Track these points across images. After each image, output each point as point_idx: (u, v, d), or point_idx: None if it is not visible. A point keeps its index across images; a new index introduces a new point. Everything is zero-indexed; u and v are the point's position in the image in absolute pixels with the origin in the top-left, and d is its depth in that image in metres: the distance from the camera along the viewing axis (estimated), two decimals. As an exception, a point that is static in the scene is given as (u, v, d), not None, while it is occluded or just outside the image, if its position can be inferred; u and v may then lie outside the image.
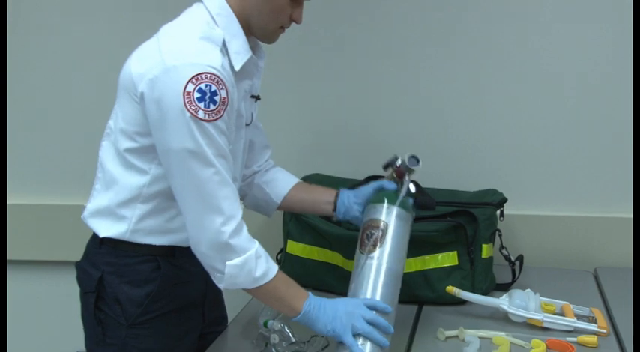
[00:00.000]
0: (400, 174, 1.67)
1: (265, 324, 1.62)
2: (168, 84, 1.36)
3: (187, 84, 1.35)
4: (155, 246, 1.54)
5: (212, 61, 1.39)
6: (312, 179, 2.18)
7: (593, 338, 1.58)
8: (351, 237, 1.87)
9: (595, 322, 1.67)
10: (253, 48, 1.57)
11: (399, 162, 1.65)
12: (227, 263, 1.41)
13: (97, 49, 2.44)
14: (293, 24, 1.56)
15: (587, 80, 2.16)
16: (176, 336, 1.64)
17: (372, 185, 1.72)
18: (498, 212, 2.01)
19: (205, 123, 1.37)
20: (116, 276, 1.56)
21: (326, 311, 1.49)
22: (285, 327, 1.59)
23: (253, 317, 1.73)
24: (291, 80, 2.34)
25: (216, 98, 1.37)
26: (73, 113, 2.48)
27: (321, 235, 2.02)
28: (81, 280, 1.62)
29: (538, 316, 1.66)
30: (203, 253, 1.45)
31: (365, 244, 1.57)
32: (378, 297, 1.49)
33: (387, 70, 2.28)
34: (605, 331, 1.62)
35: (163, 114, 1.38)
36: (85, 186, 1.77)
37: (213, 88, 1.37)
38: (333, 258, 2.01)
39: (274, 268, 1.49)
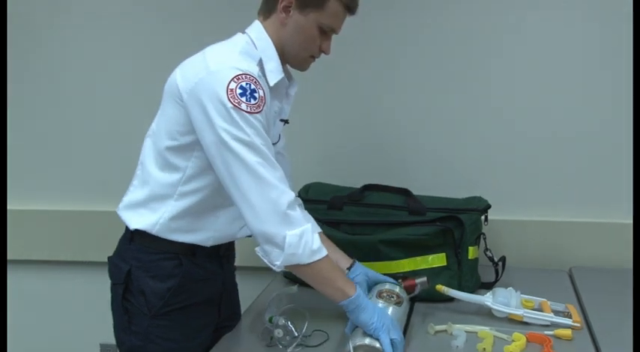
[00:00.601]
0: (412, 289, 1.72)
1: (270, 320, 1.64)
2: (212, 83, 1.44)
3: (230, 82, 1.42)
4: (178, 243, 1.58)
5: (250, 68, 1.47)
6: (313, 187, 2.23)
7: (568, 332, 1.61)
8: (351, 241, 1.96)
9: (570, 317, 1.70)
10: (287, 76, 1.65)
11: (418, 288, 1.72)
12: (287, 232, 1.44)
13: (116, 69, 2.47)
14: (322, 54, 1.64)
15: (568, 100, 2.19)
16: (194, 328, 1.67)
17: (381, 278, 1.74)
18: (483, 217, 2.05)
19: (248, 115, 1.42)
20: (142, 271, 1.60)
21: (369, 305, 1.51)
22: (289, 323, 1.62)
23: (260, 313, 1.75)
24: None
25: (256, 95, 1.44)
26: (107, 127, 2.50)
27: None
28: (112, 273, 1.66)
29: (519, 312, 1.70)
30: (263, 231, 1.46)
31: (384, 297, 1.63)
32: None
33: (383, 90, 2.32)
34: (579, 325, 1.66)
35: (209, 110, 1.44)
36: (109, 193, 1.84)
37: (253, 86, 1.44)
38: None
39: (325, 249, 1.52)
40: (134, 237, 1.61)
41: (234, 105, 1.41)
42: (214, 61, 1.50)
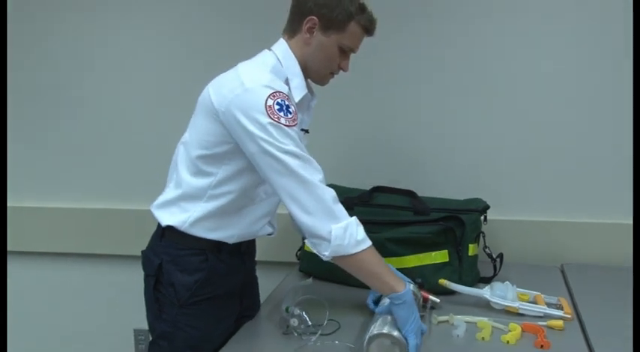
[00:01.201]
0: (424, 301, 1.71)
1: (287, 310, 1.65)
2: (250, 100, 1.48)
3: (267, 99, 1.47)
4: (205, 240, 1.62)
5: (281, 87, 1.53)
6: None
7: (559, 322, 1.64)
8: None
9: (561, 309, 1.72)
10: (309, 91, 1.70)
11: (429, 304, 1.72)
12: (333, 226, 1.47)
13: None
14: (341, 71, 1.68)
15: (567, 107, 2.20)
16: (217, 317, 1.70)
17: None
18: (482, 217, 2.07)
19: (287, 128, 1.47)
20: (172, 264, 1.64)
21: (413, 305, 1.50)
22: (304, 313, 1.64)
23: (278, 304, 1.78)
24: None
25: (291, 110, 1.49)
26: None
27: None
28: (145, 265, 1.71)
29: (515, 304, 1.72)
30: (311, 226, 1.49)
31: None
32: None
33: (391, 102, 2.34)
34: (570, 316, 1.68)
35: (248, 125, 1.47)
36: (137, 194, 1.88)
37: (287, 102, 1.49)
38: None
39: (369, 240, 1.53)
40: (165, 234, 1.65)
41: (274, 120, 1.45)
42: (248, 78, 1.53)
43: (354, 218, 1.52)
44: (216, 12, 2.40)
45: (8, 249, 2.43)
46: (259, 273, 1.92)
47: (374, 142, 2.39)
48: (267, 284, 2.02)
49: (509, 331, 1.61)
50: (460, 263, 1.95)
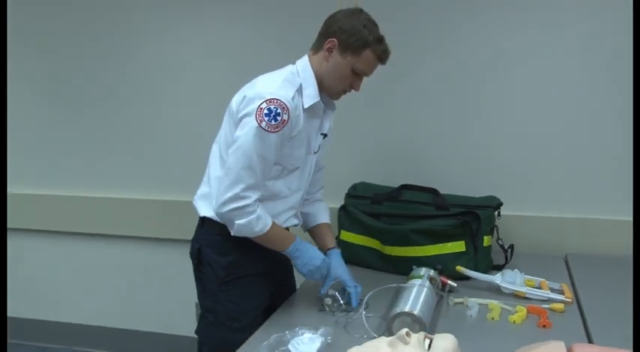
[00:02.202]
0: (443, 285, 1.80)
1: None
2: (252, 102, 1.58)
3: (262, 103, 1.56)
4: None
5: (285, 94, 1.59)
6: (360, 186, 2.32)
7: (560, 305, 1.69)
8: (388, 230, 2.08)
9: (563, 294, 1.76)
10: (326, 101, 1.77)
11: (447, 288, 1.80)
12: (236, 222, 1.60)
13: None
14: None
15: (573, 114, 2.21)
16: (253, 293, 1.79)
17: (341, 277, 1.78)
18: (496, 212, 2.11)
19: (264, 132, 1.56)
20: (209, 248, 1.75)
21: (303, 255, 1.70)
22: (337, 293, 1.73)
23: (315, 286, 1.83)
24: (344, 108, 2.37)
25: (279, 118, 1.56)
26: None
27: (365, 227, 2.14)
28: (190, 250, 1.82)
29: (522, 289, 1.78)
30: (220, 213, 1.62)
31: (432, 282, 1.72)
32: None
33: (416, 113, 2.38)
34: (570, 300, 1.72)
35: (242, 119, 1.59)
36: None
37: (279, 110, 1.56)
38: (373, 243, 2.14)
39: (268, 225, 1.64)
40: (204, 223, 1.76)
41: (257, 121, 1.56)
42: (259, 85, 1.64)
43: (257, 214, 1.62)
44: (274, 19, 2.47)
45: (107, 232, 2.74)
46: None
47: (402, 146, 2.42)
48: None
49: (516, 312, 1.65)
50: (475, 252, 1.99)
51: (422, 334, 1.18)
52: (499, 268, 2.01)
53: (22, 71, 2.91)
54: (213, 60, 2.60)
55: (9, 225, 2.88)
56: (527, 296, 1.77)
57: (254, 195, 1.61)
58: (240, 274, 1.75)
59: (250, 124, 1.57)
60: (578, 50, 2.18)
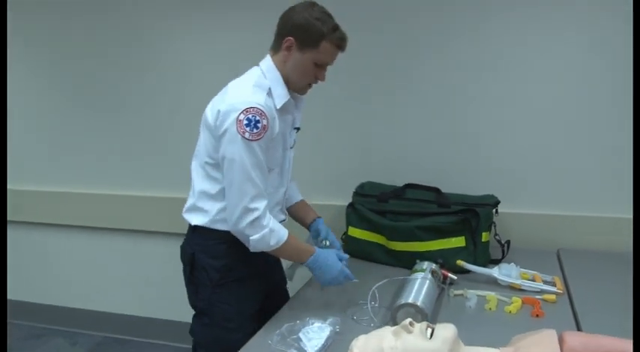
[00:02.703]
0: (444, 278, 1.80)
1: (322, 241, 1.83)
2: (228, 115, 1.54)
3: (240, 114, 1.52)
4: (226, 232, 1.64)
5: (259, 100, 1.55)
6: (367, 185, 2.34)
7: (553, 297, 1.71)
8: (393, 226, 2.09)
9: (555, 285, 1.79)
10: (294, 96, 1.72)
11: (448, 281, 1.80)
12: (250, 237, 1.57)
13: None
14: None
15: (570, 112, 2.19)
16: (246, 295, 1.76)
17: (321, 232, 1.88)
18: (494, 210, 2.13)
19: (249, 142, 1.53)
20: (203, 253, 1.72)
21: (322, 269, 1.66)
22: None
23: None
24: (354, 112, 2.45)
25: (259, 125, 1.52)
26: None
27: (371, 223, 2.16)
28: (182, 256, 1.79)
29: (517, 281, 1.80)
30: (237, 230, 1.59)
31: (434, 275, 1.74)
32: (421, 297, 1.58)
33: (424, 114, 2.37)
34: (561, 291, 1.75)
35: (224, 134, 1.54)
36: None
37: (258, 117, 1.52)
38: (380, 239, 2.15)
39: (283, 238, 1.62)
40: (195, 230, 1.73)
41: (240, 133, 1.52)
42: (232, 95, 1.59)
43: (269, 228, 1.59)
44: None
45: (134, 228, 2.77)
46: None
47: (407, 148, 2.42)
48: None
49: (512, 303, 1.68)
50: (475, 247, 2.01)
51: (424, 324, 1.19)
52: (496, 262, 2.02)
53: (47, 77, 2.98)
54: (217, 64, 2.59)
55: (38, 220, 3.08)
56: (522, 288, 1.80)
57: (262, 205, 1.58)
58: (233, 277, 1.73)
59: (235, 138, 1.53)
60: (576, 51, 2.16)
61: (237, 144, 1.54)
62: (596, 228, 2.23)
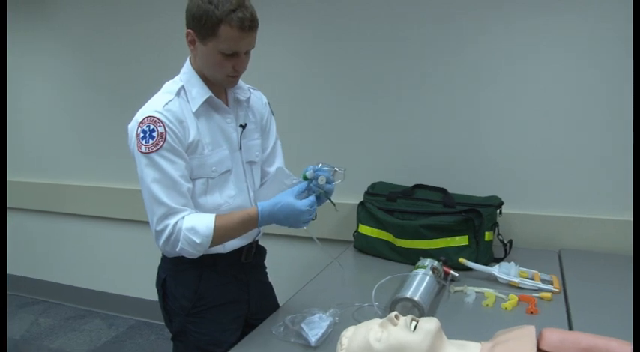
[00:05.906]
0: (446, 274, 1.77)
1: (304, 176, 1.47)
2: (130, 132, 1.40)
3: (137, 128, 1.37)
4: (199, 256, 1.47)
5: (156, 107, 1.39)
6: (377, 185, 2.34)
7: (548, 295, 1.69)
8: (400, 225, 2.09)
9: (552, 284, 1.77)
10: (230, 92, 1.55)
11: (449, 278, 1.78)
12: (177, 251, 1.41)
13: None
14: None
15: (573, 117, 2.15)
16: (223, 323, 1.59)
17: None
18: (498, 210, 2.13)
19: (146, 154, 1.36)
20: (173, 279, 1.57)
21: (280, 220, 1.41)
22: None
23: (318, 283, 1.82)
24: (368, 116, 2.46)
25: (154, 134, 1.35)
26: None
27: (379, 221, 2.18)
28: (156, 280, 1.64)
29: (516, 279, 1.79)
30: (162, 251, 1.47)
31: (434, 272, 1.71)
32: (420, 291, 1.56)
33: (428, 121, 2.36)
34: (557, 290, 1.73)
35: (133, 154, 1.41)
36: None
37: (152, 126, 1.36)
38: (387, 236, 2.17)
39: (206, 233, 1.39)
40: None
41: (137, 149, 1.37)
42: (139, 112, 1.43)
43: (183, 232, 1.39)
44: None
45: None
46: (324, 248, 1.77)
47: (417, 150, 2.42)
48: (325, 259, 2.06)
49: (509, 300, 1.67)
50: (477, 246, 2.01)
51: (409, 317, 1.19)
52: (499, 261, 2.02)
53: (91, 80, 3.09)
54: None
55: (67, 211, 3.24)
56: (520, 286, 1.79)
57: (171, 222, 1.39)
58: (207, 305, 1.57)
59: (136, 156, 1.39)
60: (576, 52, 2.12)
61: (138, 161, 1.39)
62: (597, 230, 2.20)
